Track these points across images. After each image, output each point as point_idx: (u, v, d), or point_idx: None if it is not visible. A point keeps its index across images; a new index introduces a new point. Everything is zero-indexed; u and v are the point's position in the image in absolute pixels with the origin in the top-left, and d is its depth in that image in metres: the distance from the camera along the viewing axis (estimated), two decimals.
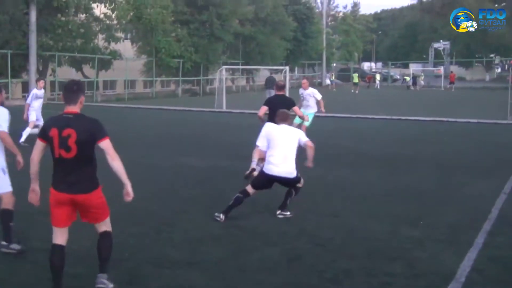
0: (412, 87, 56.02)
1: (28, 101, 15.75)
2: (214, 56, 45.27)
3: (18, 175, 6.23)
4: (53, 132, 4.90)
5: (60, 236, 5.10)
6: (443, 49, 71.67)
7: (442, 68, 65.54)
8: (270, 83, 31.11)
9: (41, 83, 16.32)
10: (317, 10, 73.62)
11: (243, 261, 6.30)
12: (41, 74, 34.84)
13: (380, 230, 7.57)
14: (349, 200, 9.38)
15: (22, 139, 14.73)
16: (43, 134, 5.01)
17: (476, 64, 72.02)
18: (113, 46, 37.70)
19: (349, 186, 10.43)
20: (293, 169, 7.98)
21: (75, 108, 5.03)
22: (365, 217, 8.19)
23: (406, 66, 78.51)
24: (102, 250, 5.26)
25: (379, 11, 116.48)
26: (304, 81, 15.85)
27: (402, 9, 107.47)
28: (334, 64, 75.61)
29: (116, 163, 4.96)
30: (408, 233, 7.41)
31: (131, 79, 42.94)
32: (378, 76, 63.28)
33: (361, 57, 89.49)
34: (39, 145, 5.03)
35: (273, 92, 27.52)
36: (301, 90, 15.58)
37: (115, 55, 37.66)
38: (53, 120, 5.03)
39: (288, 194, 8.19)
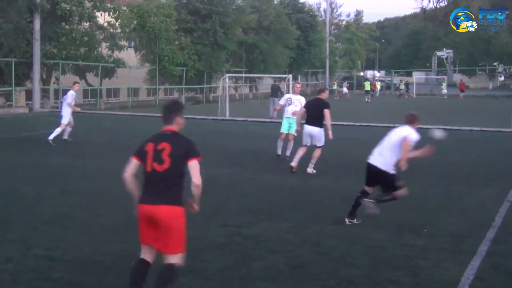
0: (406, 95, 55.91)
1: (69, 100, 16.70)
2: (217, 64, 45.34)
3: (15, 182, 6.24)
4: (149, 147, 4.96)
5: (145, 253, 5.06)
6: (446, 57, 71.74)
7: (445, 77, 65.48)
8: (274, 91, 31.16)
9: (76, 86, 17.16)
10: (320, 19, 73.75)
11: (246, 269, 6.29)
12: (45, 83, 34.94)
13: (383, 238, 7.56)
14: None
15: (51, 137, 16.18)
16: (139, 152, 5.03)
17: (479, 72, 72.06)
18: (116, 54, 37.80)
19: (353, 195, 10.40)
20: (387, 164, 7.94)
21: (172, 127, 5.08)
22: (368, 226, 8.18)
23: (409, 74, 78.60)
24: (159, 282, 4.95)
25: (382, 19, 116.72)
26: (298, 85, 15.41)
27: (405, 18, 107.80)
28: (338, 73, 75.64)
29: (196, 185, 4.89)
30: (411, 242, 7.40)
31: (134, 87, 43.03)
32: (378, 85, 63.19)
33: (364, 65, 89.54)
34: (133, 163, 5.03)
35: (276, 100, 27.68)
36: (288, 95, 15.08)
37: (119, 63, 37.73)
38: (151, 136, 5.10)
39: (381, 197, 8.19)
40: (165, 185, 4.89)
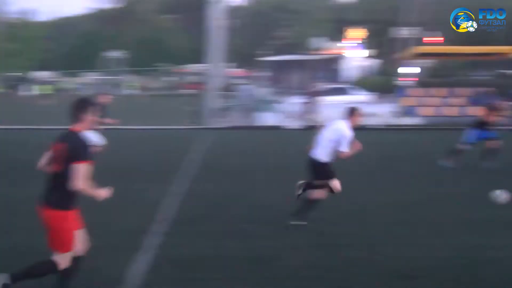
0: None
1: None
2: None
3: None
4: (52, 146, 5.13)
5: None
6: (118, 58, 73.07)
7: (119, 77, 66.67)
8: None
9: None
10: None
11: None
12: None
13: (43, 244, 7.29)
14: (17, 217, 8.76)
15: None
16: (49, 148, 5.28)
17: (151, 72, 74.91)
18: None
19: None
20: (321, 156, 8.32)
21: (75, 127, 5.16)
22: (31, 233, 7.81)
23: (77, 75, 78.14)
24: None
25: (56, 18, 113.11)
26: (110, 96, 14.47)
27: (80, 17, 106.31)
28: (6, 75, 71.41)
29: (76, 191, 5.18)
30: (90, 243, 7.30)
31: None
32: (49, 87, 61.56)
33: (35, 65, 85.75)
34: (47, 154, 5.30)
35: None
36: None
37: None
38: (59, 135, 5.23)
39: (304, 202, 8.45)
40: (54, 186, 5.01)
